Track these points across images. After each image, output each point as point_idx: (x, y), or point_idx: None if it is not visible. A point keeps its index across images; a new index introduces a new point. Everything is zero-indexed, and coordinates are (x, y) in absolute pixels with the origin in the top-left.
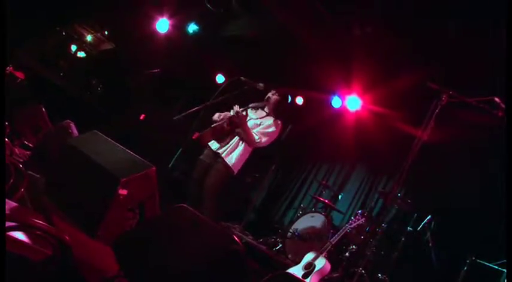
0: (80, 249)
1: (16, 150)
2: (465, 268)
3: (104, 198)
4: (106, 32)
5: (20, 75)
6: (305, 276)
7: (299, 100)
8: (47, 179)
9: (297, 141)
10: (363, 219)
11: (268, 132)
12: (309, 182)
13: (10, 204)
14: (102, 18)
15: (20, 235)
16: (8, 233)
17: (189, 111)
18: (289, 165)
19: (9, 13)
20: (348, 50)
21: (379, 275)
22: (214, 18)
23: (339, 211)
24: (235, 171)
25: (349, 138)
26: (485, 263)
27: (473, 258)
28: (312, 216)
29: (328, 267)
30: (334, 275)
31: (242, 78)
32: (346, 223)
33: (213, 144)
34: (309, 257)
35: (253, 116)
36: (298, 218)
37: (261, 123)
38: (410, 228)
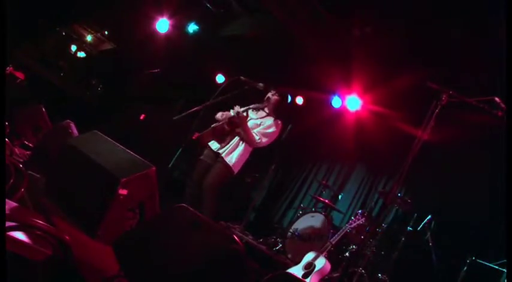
0: (80, 249)
1: (16, 150)
2: (465, 268)
3: (104, 198)
4: (106, 32)
5: (20, 75)
6: (305, 276)
7: (299, 100)
8: (47, 179)
9: (297, 141)
10: (363, 219)
11: (268, 133)
12: (309, 181)
13: (10, 204)
14: (102, 18)
15: (20, 235)
16: (8, 233)
17: (189, 111)
18: (289, 165)
19: (9, 13)
20: (348, 50)
21: (379, 275)
22: (214, 18)
23: (339, 211)
24: (235, 171)
25: (349, 138)
26: (485, 263)
27: (473, 258)
28: (312, 216)
29: (328, 267)
30: (334, 275)
31: (242, 78)
32: (346, 223)
33: (213, 144)
34: (309, 256)
35: (254, 116)
36: (298, 218)
37: (261, 123)
38: (410, 228)
